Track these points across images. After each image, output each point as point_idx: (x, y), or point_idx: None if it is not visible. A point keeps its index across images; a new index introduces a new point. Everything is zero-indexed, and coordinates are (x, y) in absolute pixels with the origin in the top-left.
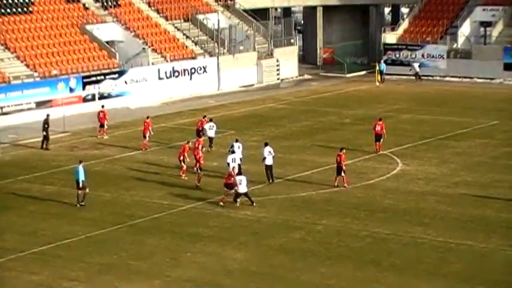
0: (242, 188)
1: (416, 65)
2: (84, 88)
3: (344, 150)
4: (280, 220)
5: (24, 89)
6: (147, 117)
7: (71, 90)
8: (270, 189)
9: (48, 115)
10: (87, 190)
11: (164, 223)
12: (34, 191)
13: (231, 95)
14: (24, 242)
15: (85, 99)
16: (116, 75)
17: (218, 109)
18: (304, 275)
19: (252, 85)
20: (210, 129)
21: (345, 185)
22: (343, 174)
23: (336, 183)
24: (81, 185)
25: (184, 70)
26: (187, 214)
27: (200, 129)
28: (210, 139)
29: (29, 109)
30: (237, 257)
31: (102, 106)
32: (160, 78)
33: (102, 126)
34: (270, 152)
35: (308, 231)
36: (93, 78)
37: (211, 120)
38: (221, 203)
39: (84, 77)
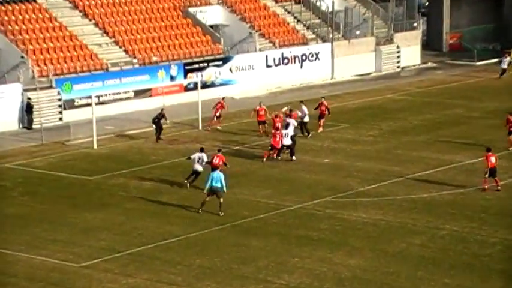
0: (286, 141)
1: None
2: (185, 76)
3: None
4: (399, 223)
5: (123, 76)
6: (260, 104)
7: (172, 78)
8: (388, 189)
9: (162, 110)
10: (222, 200)
11: (270, 224)
12: (131, 187)
13: (346, 84)
14: (121, 242)
15: (186, 88)
16: (220, 62)
17: (331, 100)
18: (424, 286)
19: (369, 74)
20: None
21: (499, 187)
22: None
23: (485, 186)
24: (218, 194)
25: (295, 57)
26: (296, 215)
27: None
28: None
29: (127, 98)
30: (349, 263)
31: (223, 98)
32: (268, 66)
33: (218, 117)
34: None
35: (430, 236)
36: (196, 66)
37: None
38: (264, 159)
39: (186, 64)
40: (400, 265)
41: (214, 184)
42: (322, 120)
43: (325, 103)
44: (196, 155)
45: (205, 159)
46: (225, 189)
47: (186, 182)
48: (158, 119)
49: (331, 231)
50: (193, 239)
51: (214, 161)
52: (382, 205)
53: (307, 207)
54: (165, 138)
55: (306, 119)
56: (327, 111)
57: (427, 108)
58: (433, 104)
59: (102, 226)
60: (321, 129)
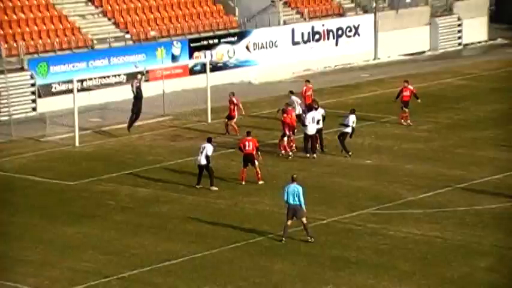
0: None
1: None
2: (191, 56)
3: None
4: (460, 242)
5: (112, 56)
6: (230, 95)
7: (174, 58)
8: (447, 198)
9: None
10: (305, 220)
11: (296, 242)
12: (123, 194)
13: (393, 66)
14: (109, 264)
15: (192, 71)
16: (235, 39)
17: (374, 85)
18: None
19: (423, 53)
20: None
21: None
22: None
23: None
24: (298, 213)
25: (328, 31)
26: (329, 230)
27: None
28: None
29: (117, 83)
30: None
31: (233, 94)
32: (294, 43)
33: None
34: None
35: (499, 258)
36: (204, 43)
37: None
38: (285, 152)
39: (191, 41)
40: None
41: (291, 202)
42: (407, 111)
43: (410, 87)
44: (200, 145)
45: (210, 151)
46: (304, 206)
47: (196, 186)
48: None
49: (374, 251)
50: (200, 260)
51: (246, 147)
52: (439, 218)
53: (343, 220)
54: (166, 133)
55: (298, 111)
56: (412, 96)
57: (496, 95)
58: (503, 91)
59: (85, 244)
60: (408, 121)
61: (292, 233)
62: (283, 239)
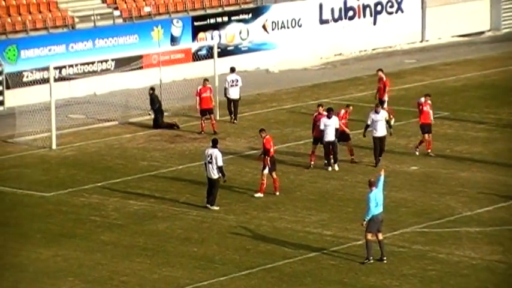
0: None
1: None
2: (194, 38)
3: None
4: None
5: (98, 37)
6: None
7: (174, 40)
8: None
9: (152, 89)
10: (381, 237)
11: (326, 268)
12: (110, 208)
13: (444, 50)
14: None
15: (196, 56)
16: (249, 16)
17: (420, 73)
18: None
19: (482, 33)
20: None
21: None
22: None
23: None
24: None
25: (365, 7)
26: (361, 253)
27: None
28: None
29: (104, 71)
30: None
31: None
32: (322, 22)
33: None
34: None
35: None
36: (210, 21)
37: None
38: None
39: (195, 19)
40: None
41: (376, 212)
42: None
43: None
44: (206, 153)
45: (220, 160)
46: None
47: (207, 205)
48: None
49: (422, 278)
50: None
51: (269, 147)
52: (503, 239)
53: (384, 240)
54: (163, 133)
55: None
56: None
57: None
58: None
59: (64, 269)
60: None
61: (318, 257)
62: (369, 260)
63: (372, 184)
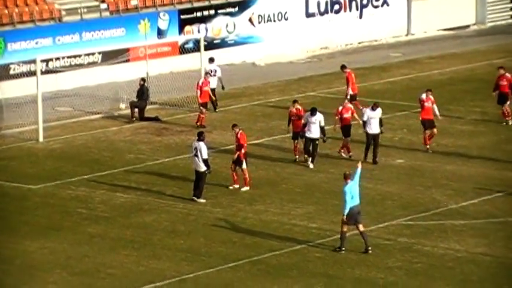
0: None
1: None
2: (181, 31)
3: None
4: None
5: (85, 30)
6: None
7: (160, 33)
8: (497, 206)
9: (143, 80)
10: (361, 228)
11: (312, 260)
12: (97, 201)
13: (429, 43)
14: (81, 287)
15: (183, 49)
16: (235, 9)
17: (406, 67)
18: None
19: (467, 27)
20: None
21: None
22: None
23: None
24: (359, 218)
25: (350, 1)
26: (351, 246)
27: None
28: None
29: (90, 64)
30: None
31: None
32: (308, 15)
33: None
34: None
35: None
36: (197, 14)
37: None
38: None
39: (181, 12)
40: None
41: (352, 204)
42: (506, 106)
43: (508, 75)
44: (192, 146)
45: (205, 153)
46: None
47: (194, 198)
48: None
49: (407, 271)
50: (193, 282)
51: (243, 142)
52: (487, 231)
53: (369, 234)
54: (149, 126)
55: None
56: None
57: None
58: None
59: (51, 261)
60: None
61: (304, 250)
62: (341, 249)
63: (347, 177)
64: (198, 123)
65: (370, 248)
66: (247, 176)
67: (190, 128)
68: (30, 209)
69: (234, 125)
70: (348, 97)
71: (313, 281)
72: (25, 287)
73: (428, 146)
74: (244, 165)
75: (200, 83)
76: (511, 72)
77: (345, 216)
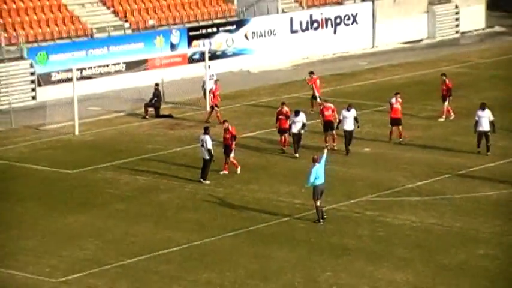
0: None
1: None
2: (190, 44)
3: None
4: (458, 229)
5: (111, 45)
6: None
7: (173, 47)
8: (445, 185)
9: (157, 85)
10: (318, 203)
11: (296, 230)
12: (122, 183)
13: (391, 54)
14: (109, 252)
15: (191, 60)
16: (233, 27)
17: (372, 73)
18: None
19: (420, 41)
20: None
21: None
22: None
23: None
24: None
25: (327, 20)
26: (328, 218)
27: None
28: None
29: (116, 72)
30: (395, 278)
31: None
32: (293, 31)
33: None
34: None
35: (496, 245)
36: (203, 31)
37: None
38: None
39: (190, 29)
40: (459, 281)
41: (318, 183)
42: (446, 105)
43: (447, 81)
44: (199, 138)
45: (209, 144)
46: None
47: (200, 179)
48: (153, 100)
49: (373, 238)
50: (200, 248)
51: (235, 134)
52: (437, 206)
53: (342, 208)
54: (165, 121)
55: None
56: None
57: (493, 83)
58: (502, 79)
59: (85, 232)
60: (444, 117)
61: (290, 221)
62: (320, 220)
63: (314, 160)
64: (218, 120)
65: (321, 220)
66: (235, 161)
67: (197, 123)
68: (68, 189)
69: (225, 121)
70: (315, 97)
71: (298, 246)
72: (64, 252)
73: (401, 139)
74: (232, 154)
75: (214, 88)
76: (453, 79)
77: (304, 189)
